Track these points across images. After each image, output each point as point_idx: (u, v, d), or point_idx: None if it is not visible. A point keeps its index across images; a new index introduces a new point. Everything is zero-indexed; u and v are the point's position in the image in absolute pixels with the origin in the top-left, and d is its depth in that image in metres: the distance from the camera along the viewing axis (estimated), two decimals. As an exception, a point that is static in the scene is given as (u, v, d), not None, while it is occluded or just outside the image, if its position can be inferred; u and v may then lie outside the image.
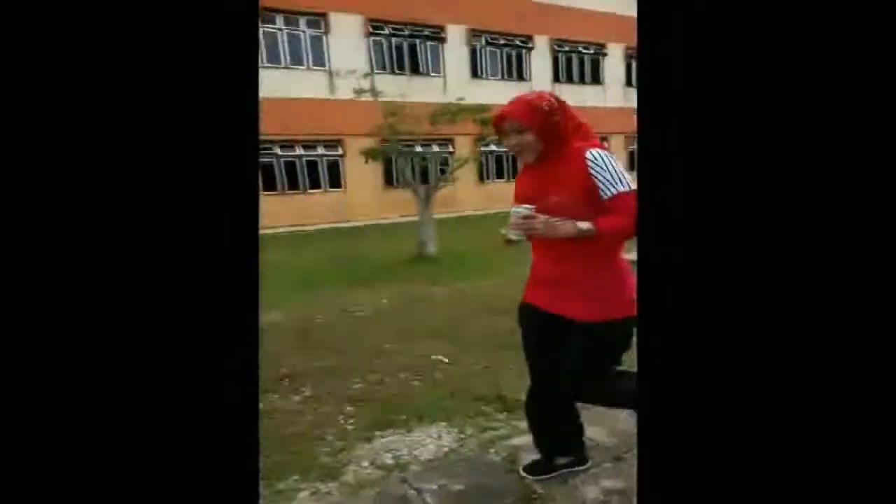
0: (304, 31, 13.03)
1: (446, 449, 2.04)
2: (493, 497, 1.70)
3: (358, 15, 13.40)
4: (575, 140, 1.54)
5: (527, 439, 1.89)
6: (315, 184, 13.68)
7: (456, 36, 14.88)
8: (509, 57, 15.93)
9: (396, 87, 12.20)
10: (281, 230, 11.61)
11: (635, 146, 17.27)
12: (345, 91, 11.68)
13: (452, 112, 7.63)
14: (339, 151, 13.73)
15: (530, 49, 16.05)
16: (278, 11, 12.55)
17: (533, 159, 1.57)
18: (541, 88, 6.02)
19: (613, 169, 1.47)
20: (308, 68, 13.07)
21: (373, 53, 13.83)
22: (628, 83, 17.63)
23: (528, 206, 1.52)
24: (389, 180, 13.72)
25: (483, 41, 15.34)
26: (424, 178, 7.85)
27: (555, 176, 1.52)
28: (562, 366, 1.59)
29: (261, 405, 2.58)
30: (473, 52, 15.26)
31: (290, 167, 13.39)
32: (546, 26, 15.91)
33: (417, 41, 14.46)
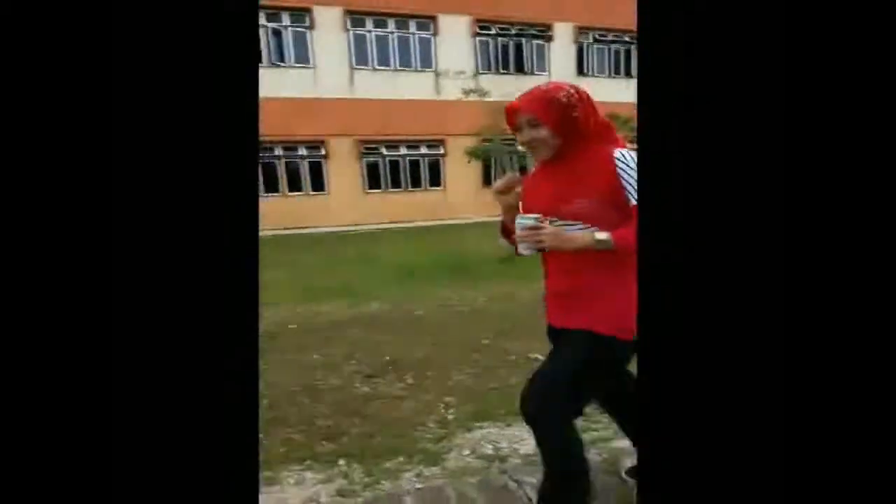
0: (413, 34, 13.43)
1: (545, 446, 2.04)
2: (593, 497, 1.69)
3: (466, 16, 13.60)
4: (598, 140, 1.37)
5: (628, 442, 1.85)
6: (416, 182, 14.07)
7: (563, 34, 14.64)
8: (616, 53, 15.42)
9: (501, 87, 12.24)
10: (382, 226, 12.08)
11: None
12: (449, 92, 11.92)
13: None
14: (441, 151, 14.02)
15: (640, 46, 15.44)
16: (390, 16, 13.05)
17: (548, 157, 1.40)
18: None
19: None
20: (416, 70, 13.46)
21: (479, 54, 13.97)
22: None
23: (534, 214, 1.36)
24: (487, 180, 13.81)
25: (590, 38, 14.98)
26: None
27: (575, 177, 1.36)
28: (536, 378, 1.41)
29: (366, 389, 2.73)
30: (580, 50, 14.95)
31: (394, 166, 13.88)
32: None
33: (523, 40, 14.40)
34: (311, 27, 12.57)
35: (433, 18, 13.40)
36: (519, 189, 1.45)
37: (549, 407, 1.37)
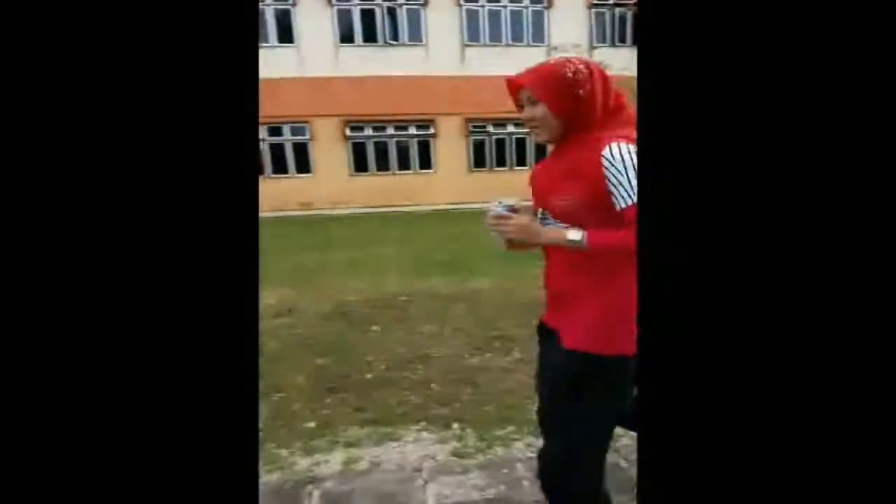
0: (526, 7, 13.18)
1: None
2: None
3: (583, -13, 13.12)
4: (609, 125, 1.17)
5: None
6: (521, 161, 13.95)
7: (687, 3, 13.66)
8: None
9: (619, 61, 11.72)
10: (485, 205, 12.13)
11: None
12: (561, 67, 11.58)
13: None
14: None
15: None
16: (503, -11, 12.89)
17: (546, 140, 1.23)
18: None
19: (635, 172, 1.09)
20: (528, 44, 13.23)
21: (594, 26, 13.43)
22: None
23: (509, 201, 1.22)
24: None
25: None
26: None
27: (568, 169, 1.18)
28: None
29: (475, 361, 2.84)
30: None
31: (500, 144, 13.84)
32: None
33: (643, 11, 13.63)
34: (425, 4, 12.73)
35: (548, -9, 13.07)
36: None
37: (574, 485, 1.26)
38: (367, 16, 12.60)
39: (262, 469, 1.86)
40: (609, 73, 1.21)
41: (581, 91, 1.16)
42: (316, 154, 12.88)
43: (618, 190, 1.10)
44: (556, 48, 12.58)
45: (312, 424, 2.20)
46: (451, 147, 13.62)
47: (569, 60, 1.19)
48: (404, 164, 13.60)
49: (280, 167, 12.79)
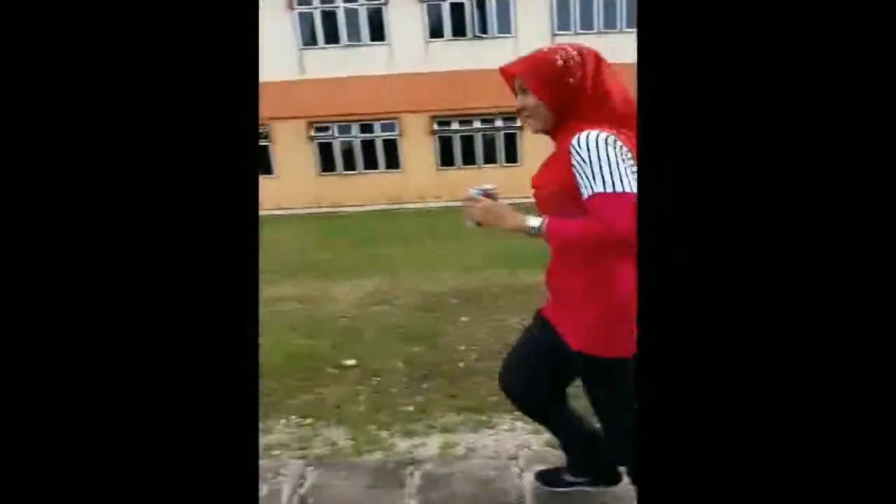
0: (617, -6, 12.71)
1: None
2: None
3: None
4: (599, 113, 1.13)
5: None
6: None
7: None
8: None
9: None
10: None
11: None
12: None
13: None
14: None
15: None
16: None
17: (539, 130, 1.21)
18: None
19: (599, 161, 1.06)
20: (621, 31, 12.75)
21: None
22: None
23: (485, 186, 1.23)
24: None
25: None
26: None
27: (553, 159, 1.18)
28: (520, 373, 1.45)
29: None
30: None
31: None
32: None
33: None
34: (511, -6, 12.61)
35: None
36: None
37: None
38: (457, 9, 12.62)
39: (362, 449, 1.97)
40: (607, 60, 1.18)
41: (571, 79, 1.13)
42: (405, 149, 13.18)
43: (582, 179, 1.08)
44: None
45: (410, 408, 2.28)
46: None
47: (562, 47, 1.16)
48: (490, 158, 13.58)
49: (371, 163, 13.18)
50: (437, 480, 1.71)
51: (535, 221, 1.16)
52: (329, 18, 12.20)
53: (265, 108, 13.08)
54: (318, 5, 12.03)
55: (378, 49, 12.36)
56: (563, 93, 1.14)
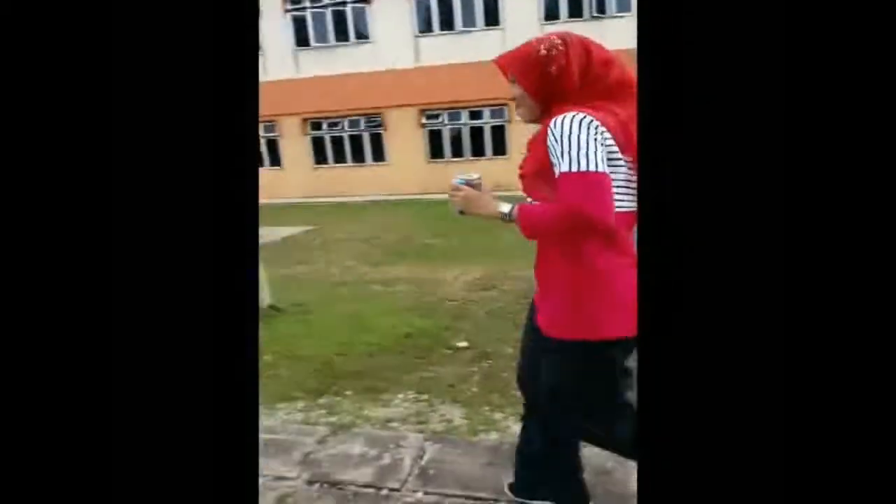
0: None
1: None
2: None
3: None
4: (587, 97, 1.12)
5: None
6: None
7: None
8: None
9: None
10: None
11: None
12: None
13: None
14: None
15: None
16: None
17: (530, 119, 1.21)
18: None
19: (569, 141, 1.05)
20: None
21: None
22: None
23: (469, 175, 1.26)
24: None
25: None
26: None
27: (533, 144, 1.17)
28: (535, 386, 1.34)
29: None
30: None
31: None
32: None
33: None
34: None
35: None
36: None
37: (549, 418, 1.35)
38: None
39: (477, 429, 2.04)
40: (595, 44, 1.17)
41: (554, 68, 1.13)
42: (513, 136, 13.05)
43: (555, 158, 1.08)
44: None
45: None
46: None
47: (548, 37, 1.16)
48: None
49: (457, 151, 13.02)
50: (552, 465, 1.73)
51: (506, 207, 1.18)
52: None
53: (344, 97, 12.97)
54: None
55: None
56: (546, 82, 1.14)
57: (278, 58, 12.72)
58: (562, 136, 1.07)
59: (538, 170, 1.14)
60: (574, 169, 1.05)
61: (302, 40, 12.77)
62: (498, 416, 2.14)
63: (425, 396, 2.35)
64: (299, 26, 12.71)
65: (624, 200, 1.13)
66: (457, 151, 13.00)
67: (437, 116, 12.93)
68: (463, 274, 4.65)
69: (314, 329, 3.41)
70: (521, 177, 1.22)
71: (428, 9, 12.10)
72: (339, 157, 13.45)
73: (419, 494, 1.64)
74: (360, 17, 12.43)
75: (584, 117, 1.08)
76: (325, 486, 1.70)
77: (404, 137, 12.85)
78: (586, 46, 1.16)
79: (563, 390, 1.27)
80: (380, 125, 12.95)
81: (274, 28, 12.63)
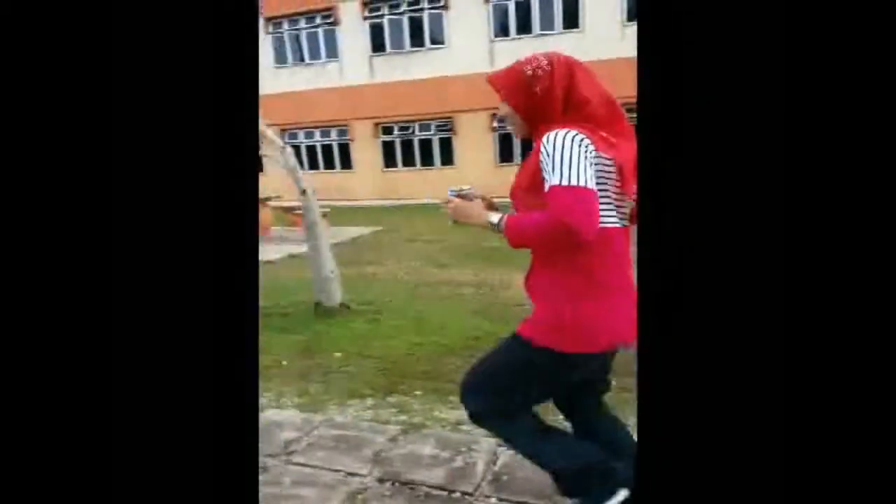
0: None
1: None
2: None
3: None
4: (572, 119, 1.15)
5: None
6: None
7: None
8: None
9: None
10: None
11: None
12: None
13: None
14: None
15: None
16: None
17: (520, 135, 1.25)
18: None
19: (560, 156, 1.09)
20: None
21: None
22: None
23: (461, 187, 1.33)
24: None
25: None
26: None
27: (526, 162, 1.21)
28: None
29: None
30: None
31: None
32: None
33: None
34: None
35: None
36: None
37: (478, 403, 1.33)
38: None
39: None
40: (579, 65, 1.20)
41: (539, 88, 1.17)
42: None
43: (545, 173, 1.11)
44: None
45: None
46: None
47: (535, 57, 1.20)
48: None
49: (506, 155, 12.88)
50: (632, 482, 1.65)
51: (495, 217, 1.22)
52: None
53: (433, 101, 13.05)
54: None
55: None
56: (532, 101, 1.18)
57: (354, 64, 13.07)
58: (553, 152, 1.10)
59: (529, 184, 1.18)
60: (563, 182, 1.08)
61: (378, 46, 13.05)
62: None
63: (496, 401, 2.30)
64: (376, 33, 12.98)
65: (612, 216, 1.18)
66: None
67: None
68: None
69: (383, 328, 3.44)
70: (513, 191, 1.25)
71: (505, 13, 12.03)
72: (408, 161, 13.60)
73: (493, 500, 1.59)
74: (436, 23, 12.54)
75: (577, 134, 1.12)
76: (397, 484, 1.69)
77: (474, 141, 12.84)
78: (571, 68, 1.19)
79: (492, 374, 1.32)
80: (450, 129, 13.02)
81: (351, 35, 13.00)
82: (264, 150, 4.42)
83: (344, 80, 13.10)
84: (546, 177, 1.11)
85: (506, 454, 1.81)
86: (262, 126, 3.80)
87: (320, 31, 13.39)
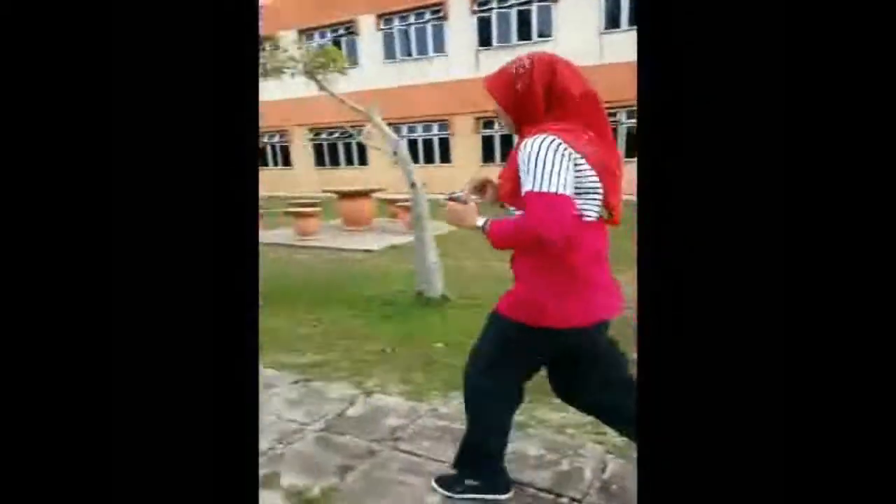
0: None
1: None
2: None
3: None
4: (553, 117, 1.20)
5: None
6: None
7: None
8: None
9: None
10: None
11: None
12: None
13: None
14: None
15: None
16: None
17: (512, 132, 1.34)
18: None
19: (536, 162, 1.14)
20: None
21: None
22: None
23: (456, 192, 1.40)
24: None
25: None
26: None
27: (510, 159, 1.26)
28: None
29: None
30: None
31: None
32: None
33: None
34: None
35: None
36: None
37: (471, 377, 1.48)
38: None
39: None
40: (562, 64, 1.22)
41: (520, 85, 1.22)
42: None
43: (523, 176, 1.17)
44: None
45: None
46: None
47: (520, 57, 1.25)
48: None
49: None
50: None
51: (481, 221, 1.29)
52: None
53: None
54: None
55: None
56: (514, 98, 1.24)
57: (461, 58, 13.16)
58: (529, 157, 1.16)
59: (513, 185, 1.24)
60: (536, 189, 1.14)
61: (484, 40, 13.07)
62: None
63: (602, 407, 2.22)
64: (483, 26, 13.00)
65: (592, 210, 1.24)
66: (629, 151, 12.41)
67: (613, 115, 12.42)
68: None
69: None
70: (500, 187, 1.31)
71: (617, 4, 11.61)
72: (507, 156, 13.54)
73: (602, 510, 1.54)
74: (545, 16, 12.35)
75: (553, 140, 1.15)
76: (502, 482, 1.68)
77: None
78: (553, 65, 1.22)
79: (483, 353, 1.45)
80: (552, 124, 12.78)
81: (459, 29, 13.11)
82: (376, 142, 4.56)
83: (449, 75, 13.24)
84: (523, 179, 1.18)
85: (615, 463, 1.75)
86: (376, 118, 3.92)
87: (429, 26, 13.63)
